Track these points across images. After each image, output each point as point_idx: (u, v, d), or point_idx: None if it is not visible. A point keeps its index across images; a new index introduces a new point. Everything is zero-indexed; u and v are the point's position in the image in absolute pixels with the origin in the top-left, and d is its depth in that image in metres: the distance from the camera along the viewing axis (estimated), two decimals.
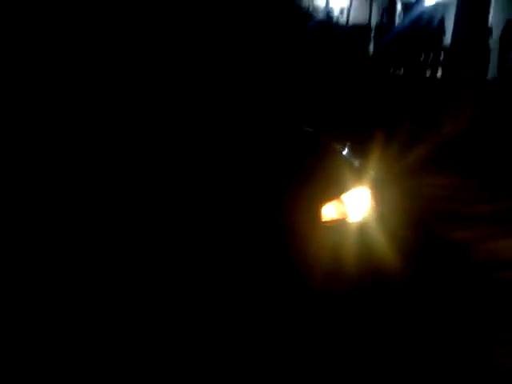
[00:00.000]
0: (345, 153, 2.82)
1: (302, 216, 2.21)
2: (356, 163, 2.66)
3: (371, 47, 10.14)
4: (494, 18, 10.83)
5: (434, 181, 4.93)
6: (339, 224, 2.29)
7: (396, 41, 7.91)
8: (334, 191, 2.32)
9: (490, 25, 10.11)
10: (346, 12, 10.69)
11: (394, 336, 2.44)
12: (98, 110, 2.39)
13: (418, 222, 3.57)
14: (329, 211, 2.27)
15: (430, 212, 4.04)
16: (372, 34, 10.34)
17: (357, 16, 11.16)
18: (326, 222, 2.26)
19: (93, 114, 2.36)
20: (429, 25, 8.17)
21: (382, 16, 11.41)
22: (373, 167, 2.81)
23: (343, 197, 2.33)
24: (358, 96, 6.72)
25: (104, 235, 2.02)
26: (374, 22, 11.43)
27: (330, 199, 2.28)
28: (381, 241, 2.40)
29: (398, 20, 11.57)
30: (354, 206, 2.36)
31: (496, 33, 11.93)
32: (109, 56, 2.63)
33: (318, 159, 2.43)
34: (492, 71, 12.25)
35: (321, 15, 9.45)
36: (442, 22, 8.38)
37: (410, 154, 5.15)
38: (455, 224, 3.94)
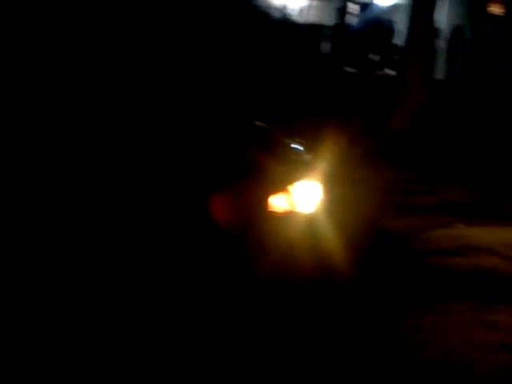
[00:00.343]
0: (295, 147, 2.93)
1: (250, 206, 2.32)
2: (306, 157, 2.78)
3: (328, 46, 10.41)
4: (444, 23, 11.30)
5: (379, 174, 5.19)
6: (287, 215, 2.40)
7: (350, 40, 8.21)
8: (282, 183, 2.42)
9: (438, 29, 10.56)
10: (303, 11, 10.96)
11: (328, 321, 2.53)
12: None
13: (364, 214, 3.78)
14: (277, 202, 2.38)
15: (375, 204, 4.27)
16: (329, 33, 10.64)
17: (315, 15, 11.45)
18: (273, 212, 2.37)
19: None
20: (381, 26, 8.50)
21: (339, 16, 11.74)
22: (322, 161, 2.95)
23: (292, 189, 2.44)
24: (311, 92, 6.93)
25: None
26: (332, 22, 11.78)
27: (278, 191, 2.39)
28: (328, 232, 2.52)
29: (354, 20, 11.93)
30: (302, 197, 2.47)
31: (446, 37, 12.43)
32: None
33: (267, 152, 2.52)
34: (441, 72, 12.77)
35: (278, 14, 9.64)
36: (392, 23, 8.69)
37: (358, 148, 5.40)
38: (398, 215, 4.19)
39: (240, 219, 2.29)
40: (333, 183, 2.87)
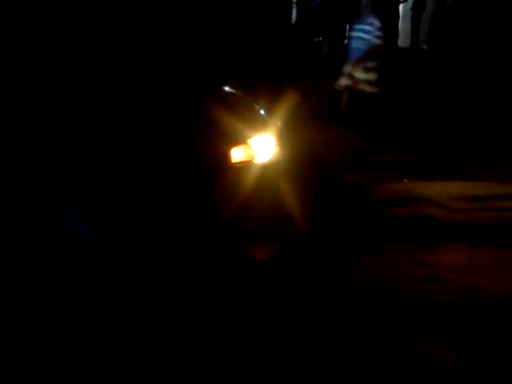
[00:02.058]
0: (256, 107, 3.26)
1: (214, 158, 2.68)
2: (263, 114, 3.16)
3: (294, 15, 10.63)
4: None
5: (337, 136, 5.64)
6: (247, 164, 2.78)
7: (317, 10, 8.44)
8: (242, 137, 2.81)
9: None
10: None
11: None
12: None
13: (316, 165, 4.23)
14: (237, 154, 2.77)
15: (328, 159, 4.73)
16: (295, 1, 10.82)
17: None
18: (235, 163, 2.75)
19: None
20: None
21: None
22: (279, 120, 3.34)
23: (250, 141, 2.83)
24: (277, 59, 7.27)
25: None
26: None
27: (238, 143, 2.78)
28: (283, 180, 2.90)
29: None
30: (260, 149, 2.86)
31: (409, 4, 12.81)
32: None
33: (228, 110, 2.87)
34: (406, 40, 13.19)
35: None
36: None
37: (319, 111, 5.82)
38: (350, 171, 4.67)
39: (206, 169, 2.65)
40: (289, 140, 3.21)
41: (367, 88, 6.14)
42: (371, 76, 6.14)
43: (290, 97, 4.65)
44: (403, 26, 12.55)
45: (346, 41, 6.91)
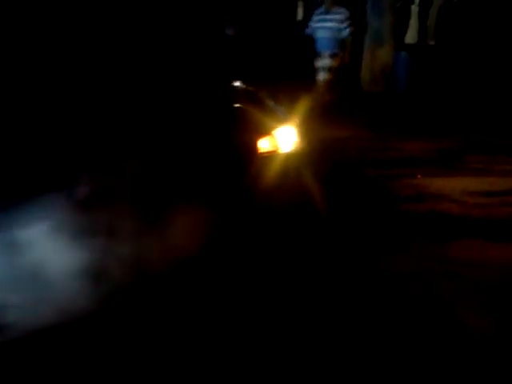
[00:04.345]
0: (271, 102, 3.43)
1: (243, 149, 2.88)
2: (279, 108, 3.33)
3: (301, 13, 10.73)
4: None
5: (350, 133, 5.74)
6: (272, 154, 2.98)
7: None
8: (266, 128, 3.00)
9: None
10: None
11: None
12: None
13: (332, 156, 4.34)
14: (264, 144, 2.96)
15: (340, 155, 4.83)
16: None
17: None
18: (261, 153, 2.94)
19: None
20: None
21: None
22: (295, 112, 3.48)
23: (275, 133, 3.02)
24: (287, 57, 7.37)
25: None
26: None
27: (264, 134, 2.96)
28: (304, 168, 3.08)
29: None
30: (283, 140, 3.06)
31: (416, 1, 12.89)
32: None
33: (251, 105, 3.08)
34: (413, 37, 13.29)
35: None
36: None
37: (329, 109, 5.91)
38: (364, 167, 4.76)
39: (235, 160, 2.83)
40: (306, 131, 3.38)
41: (326, 75, 6.21)
42: (333, 63, 6.22)
43: (299, 92, 4.76)
44: (410, 22, 12.63)
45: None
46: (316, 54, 6.46)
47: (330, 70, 6.26)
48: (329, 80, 6.29)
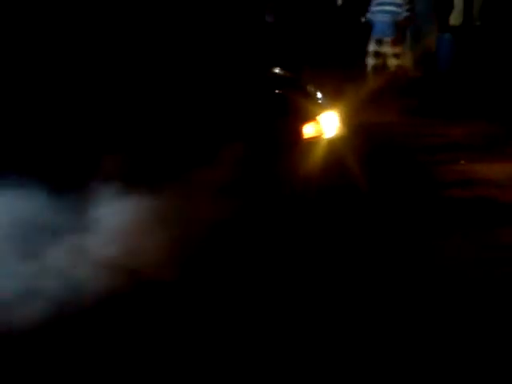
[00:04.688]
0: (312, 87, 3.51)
1: (288, 134, 2.96)
2: (321, 94, 3.41)
3: None
4: None
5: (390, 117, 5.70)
6: (317, 140, 3.05)
7: None
8: (311, 114, 3.08)
9: None
10: None
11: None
12: None
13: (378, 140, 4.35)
14: (308, 130, 3.03)
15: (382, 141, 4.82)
16: None
17: None
18: (306, 138, 3.02)
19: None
20: None
21: None
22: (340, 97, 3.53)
23: (319, 118, 3.08)
24: (329, 43, 7.36)
25: None
26: None
27: (309, 120, 3.03)
28: (347, 153, 3.14)
29: None
30: (327, 125, 3.12)
31: None
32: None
33: (293, 91, 3.18)
34: (458, 19, 12.97)
35: None
36: None
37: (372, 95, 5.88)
38: (408, 153, 4.74)
39: (281, 143, 2.92)
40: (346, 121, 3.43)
41: (394, 61, 6.13)
42: (398, 50, 6.13)
43: (343, 78, 4.77)
44: (455, 2, 12.33)
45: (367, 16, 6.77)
46: (372, 39, 6.37)
47: (395, 55, 6.17)
48: (398, 65, 6.21)
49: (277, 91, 3.14)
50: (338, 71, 6.21)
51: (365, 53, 7.51)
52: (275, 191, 2.86)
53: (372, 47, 6.36)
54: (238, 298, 2.57)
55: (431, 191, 3.98)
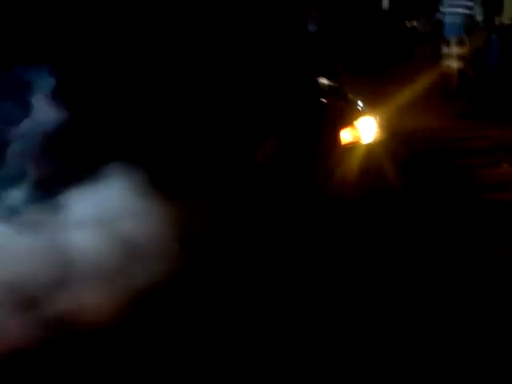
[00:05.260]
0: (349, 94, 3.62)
1: (326, 140, 3.10)
2: (359, 100, 3.50)
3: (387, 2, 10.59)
4: None
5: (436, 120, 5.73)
6: (354, 146, 3.17)
7: None
8: (348, 119, 3.20)
9: None
10: None
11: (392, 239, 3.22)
12: None
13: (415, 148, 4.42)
14: (346, 135, 3.16)
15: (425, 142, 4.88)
16: None
17: None
18: (344, 144, 3.15)
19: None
20: None
21: None
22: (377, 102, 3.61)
23: (356, 123, 3.21)
24: (374, 48, 7.41)
25: None
26: None
27: (346, 125, 3.16)
28: (385, 158, 3.24)
29: None
30: (364, 131, 3.24)
31: None
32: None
33: (334, 98, 3.34)
34: (507, 18, 12.69)
35: None
36: None
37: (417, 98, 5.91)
38: (450, 156, 4.80)
39: (319, 149, 3.07)
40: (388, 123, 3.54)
41: (458, 63, 6.12)
42: (465, 50, 6.12)
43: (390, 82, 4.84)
44: (504, 2, 12.09)
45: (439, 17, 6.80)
46: (444, 40, 6.41)
47: (461, 57, 6.20)
48: (460, 68, 6.22)
49: (315, 98, 3.26)
50: (385, 76, 6.28)
51: (410, 56, 7.54)
52: (312, 196, 2.98)
53: (446, 50, 6.38)
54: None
55: (470, 194, 4.06)
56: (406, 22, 8.13)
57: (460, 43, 6.19)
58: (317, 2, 7.47)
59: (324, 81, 3.61)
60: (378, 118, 3.39)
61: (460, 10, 6.25)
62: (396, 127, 4.01)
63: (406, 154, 3.92)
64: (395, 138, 3.63)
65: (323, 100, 3.27)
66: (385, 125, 3.48)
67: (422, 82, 6.24)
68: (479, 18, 6.19)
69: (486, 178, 4.37)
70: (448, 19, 6.41)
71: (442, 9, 6.58)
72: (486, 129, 5.61)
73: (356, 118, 3.23)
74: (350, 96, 3.54)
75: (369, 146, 3.20)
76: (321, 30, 7.19)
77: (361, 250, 3.06)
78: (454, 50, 6.21)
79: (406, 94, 5.45)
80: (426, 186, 4.00)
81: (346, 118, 3.20)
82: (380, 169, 3.18)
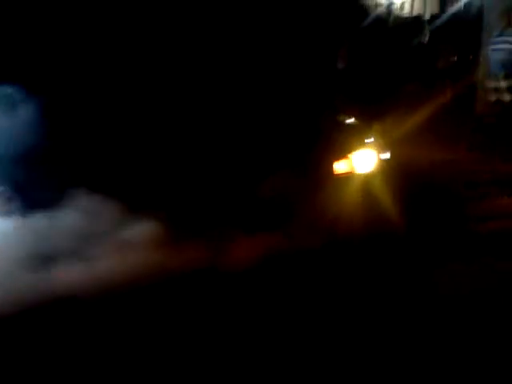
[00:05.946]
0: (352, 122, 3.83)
1: (319, 170, 3.40)
2: (364, 130, 3.73)
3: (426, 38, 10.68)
4: None
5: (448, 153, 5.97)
6: (347, 176, 3.47)
7: (437, 33, 8.54)
8: (343, 152, 3.51)
9: None
10: (406, 4, 10.94)
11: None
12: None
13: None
14: (339, 167, 3.48)
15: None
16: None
17: (420, 8, 11.41)
18: (337, 174, 3.46)
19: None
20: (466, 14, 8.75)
21: (441, 5, 11.74)
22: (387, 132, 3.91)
23: (351, 156, 3.52)
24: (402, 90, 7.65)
25: None
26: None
27: (340, 158, 3.48)
28: (382, 190, 3.52)
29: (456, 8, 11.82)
30: (360, 163, 3.52)
31: None
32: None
33: (331, 128, 3.58)
34: None
35: (381, 9, 9.82)
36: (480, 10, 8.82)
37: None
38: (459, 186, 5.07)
39: (311, 181, 3.36)
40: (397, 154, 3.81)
41: (507, 96, 6.32)
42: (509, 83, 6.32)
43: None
44: None
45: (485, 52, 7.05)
46: (489, 75, 6.65)
47: (508, 90, 6.40)
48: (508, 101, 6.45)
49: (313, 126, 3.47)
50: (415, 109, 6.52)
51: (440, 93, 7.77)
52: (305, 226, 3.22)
53: (492, 84, 6.66)
54: None
55: (466, 222, 4.33)
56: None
57: (508, 77, 6.43)
58: (346, 40, 7.82)
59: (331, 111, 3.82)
60: (380, 149, 3.60)
61: (503, 46, 6.52)
62: (404, 158, 4.16)
63: (408, 185, 4.07)
64: (399, 170, 3.85)
65: (321, 129, 3.48)
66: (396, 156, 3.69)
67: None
68: None
69: (483, 210, 4.64)
70: (494, 55, 6.67)
71: (486, 46, 6.81)
72: (494, 162, 5.77)
73: (351, 150, 3.49)
74: (357, 125, 3.74)
75: (364, 177, 3.46)
76: (349, 67, 7.54)
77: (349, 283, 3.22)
78: (503, 83, 6.44)
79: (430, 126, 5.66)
80: (422, 217, 4.15)
81: (339, 149, 3.47)
82: (376, 199, 3.43)
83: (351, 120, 3.93)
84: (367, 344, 2.73)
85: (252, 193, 3.26)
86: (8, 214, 2.90)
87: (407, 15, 9.42)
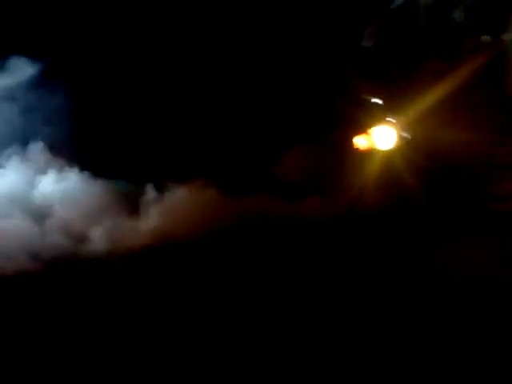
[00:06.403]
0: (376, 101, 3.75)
1: (339, 144, 3.51)
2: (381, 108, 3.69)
3: None
4: None
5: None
6: (367, 152, 3.53)
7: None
8: (365, 129, 3.54)
9: None
10: None
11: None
12: None
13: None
14: (361, 142, 3.53)
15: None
16: None
17: None
18: (356, 149, 3.52)
19: None
20: None
21: None
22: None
23: (371, 131, 3.55)
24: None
25: None
26: None
27: (360, 132, 3.53)
28: (403, 167, 3.53)
29: None
30: (381, 140, 3.56)
31: None
32: None
33: (352, 105, 3.59)
34: None
35: None
36: None
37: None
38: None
39: (333, 155, 3.49)
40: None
41: None
42: None
43: None
44: None
45: None
46: None
47: None
48: None
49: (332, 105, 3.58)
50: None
51: None
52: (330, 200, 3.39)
53: None
54: None
55: (482, 203, 4.21)
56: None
57: None
58: (375, 19, 7.69)
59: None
60: (400, 126, 3.61)
61: None
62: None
63: (430, 163, 3.99)
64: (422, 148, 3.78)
65: (338, 105, 3.55)
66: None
67: None
68: None
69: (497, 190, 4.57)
70: None
71: None
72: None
73: (371, 125, 3.52)
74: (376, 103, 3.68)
75: (384, 152, 3.50)
76: (377, 46, 7.42)
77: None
78: None
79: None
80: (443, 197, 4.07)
81: (359, 124, 3.50)
82: (398, 175, 3.45)
83: (375, 99, 3.96)
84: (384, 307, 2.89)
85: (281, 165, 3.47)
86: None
87: None
